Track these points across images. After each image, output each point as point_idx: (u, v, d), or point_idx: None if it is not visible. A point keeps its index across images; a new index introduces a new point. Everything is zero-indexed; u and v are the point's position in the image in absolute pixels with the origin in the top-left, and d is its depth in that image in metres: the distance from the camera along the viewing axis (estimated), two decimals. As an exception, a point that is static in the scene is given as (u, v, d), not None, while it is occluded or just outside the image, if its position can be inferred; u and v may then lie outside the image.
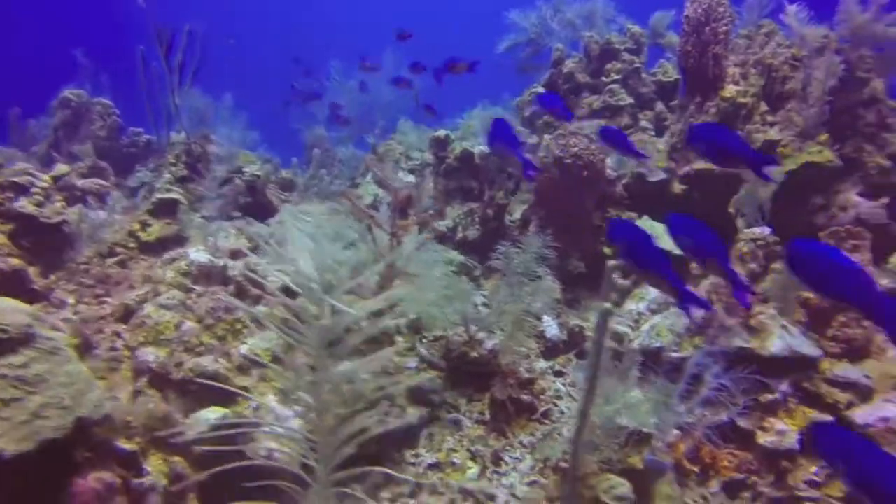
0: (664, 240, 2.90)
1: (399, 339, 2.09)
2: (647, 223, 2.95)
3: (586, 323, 2.70)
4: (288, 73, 5.05)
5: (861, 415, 2.01)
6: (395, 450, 1.82)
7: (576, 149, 2.72)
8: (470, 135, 3.09)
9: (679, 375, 2.31)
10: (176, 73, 3.05)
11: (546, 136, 2.86)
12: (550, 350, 2.46)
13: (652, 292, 2.72)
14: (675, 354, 2.32)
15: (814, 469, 2.04)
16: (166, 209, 2.44)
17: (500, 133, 1.68)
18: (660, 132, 3.61)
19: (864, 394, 2.10)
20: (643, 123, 3.65)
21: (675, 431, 2.24)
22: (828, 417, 2.10)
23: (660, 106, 3.73)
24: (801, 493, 2.00)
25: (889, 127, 3.18)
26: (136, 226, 2.33)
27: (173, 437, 1.37)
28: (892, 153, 3.10)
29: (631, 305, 2.74)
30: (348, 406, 1.56)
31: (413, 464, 1.83)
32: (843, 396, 2.14)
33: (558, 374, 2.41)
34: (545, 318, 2.50)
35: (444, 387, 2.02)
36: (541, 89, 3.89)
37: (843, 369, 2.18)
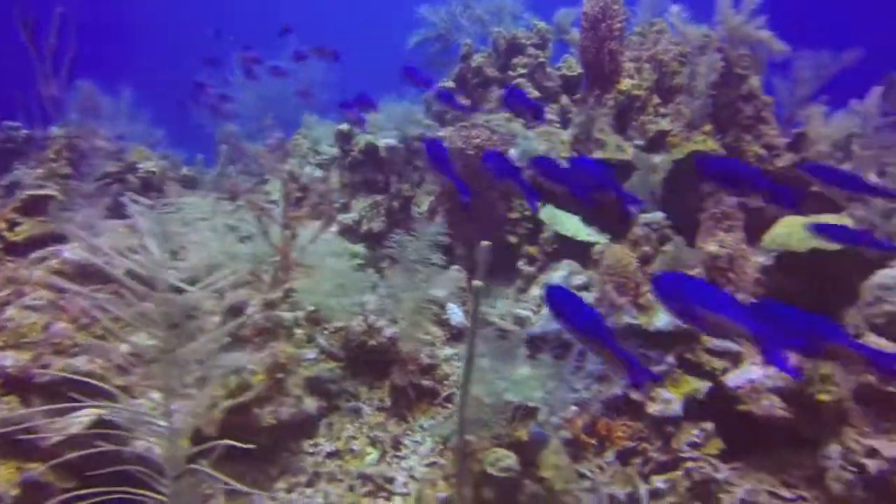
0: (565, 223, 3.04)
1: (298, 330, 2.09)
2: (549, 212, 3.09)
3: (493, 309, 2.81)
4: (200, 70, 4.87)
5: (732, 378, 2.22)
6: (293, 440, 1.83)
7: (478, 140, 2.81)
8: (375, 128, 3.12)
9: (574, 354, 2.45)
10: (48, 61, 2.86)
11: (449, 129, 2.94)
12: (455, 337, 2.53)
13: (555, 278, 2.86)
14: (570, 335, 2.46)
15: (695, 431, 2.22)
16: (38, 207, 2.30)
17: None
18: (565, 124, 3.78)
19: (736, 359, 2.31)
20: (549, 116, 3.81)
21: (573, 408, 2.38)
22: (707, 384, 2.29)
23: (565, 99, 3.91)
24: (683, 455, 2.17)
25: (764, 119, 3.51)
26: (2, 225, 2.18)
27: (33, 443, 1.31)
28: (767, 143, 3.42)
29: (535, 291, 2.87)
30: (234, 397, 1.55)
31: (311, 453, 1.84)
32: (719, 364, 2.35)
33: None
34: (450, 305, 2.57)
35: (344, 376, 2.04)
36: (451, 83, 3.98)
37: (722, 340, 2.39)
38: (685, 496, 2.11)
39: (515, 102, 2.09)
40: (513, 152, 3.17)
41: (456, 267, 2.81)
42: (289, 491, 1.71)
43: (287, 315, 2.08)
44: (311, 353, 2.02)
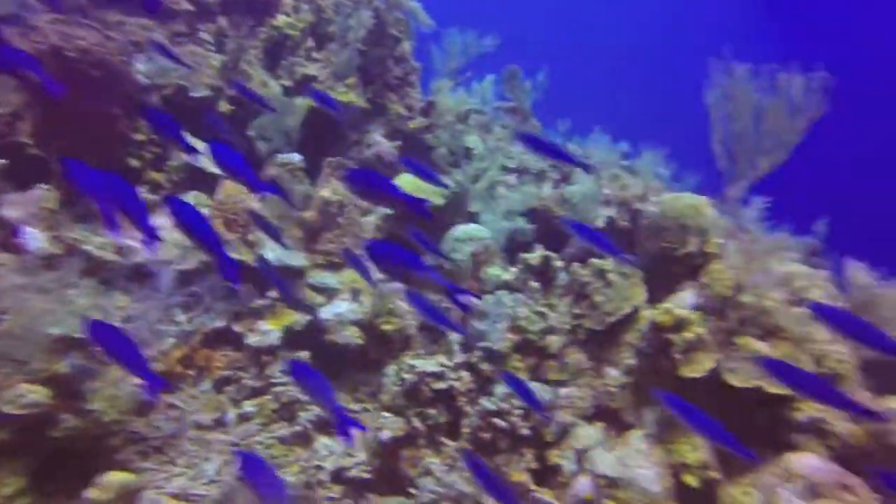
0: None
1: None
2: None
3: (97, 238, 2.59)
4: None
5: (323, 311, 2.55)
6: None
7: (84, 43, 2.48)
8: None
9: (178, 287, 2.47)
10: None
11: (43, 18, 2.51)
12: (33, 264, 2.26)
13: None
14: (178, 267, 2.46)
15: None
16: None
17: None
18: (220, 48, 3.61)
19: (333, 295, 2.66)
20: (203, 35, 3.58)
21: (171, 340, 2.41)
22: (307, 317, 2.57)
23: (223, 21, 3.71)
24: (274, 381, 2.42)
25: (410, 83, 3.97)
26: None
27: None
28: (409, 104, 3.88)
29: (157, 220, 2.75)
30: None
31: None
32: (320, 299, 2.67)
33: (44, 291, 2.25)
34: (27, 229, 2.28)
35: None
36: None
37: (323, 277, 2.71)
38: (271, 416, 2.37)
39: None
40: (140, 67, 2.90)
41: (46, 186, 2.48)
42: None
43: None
44: None
